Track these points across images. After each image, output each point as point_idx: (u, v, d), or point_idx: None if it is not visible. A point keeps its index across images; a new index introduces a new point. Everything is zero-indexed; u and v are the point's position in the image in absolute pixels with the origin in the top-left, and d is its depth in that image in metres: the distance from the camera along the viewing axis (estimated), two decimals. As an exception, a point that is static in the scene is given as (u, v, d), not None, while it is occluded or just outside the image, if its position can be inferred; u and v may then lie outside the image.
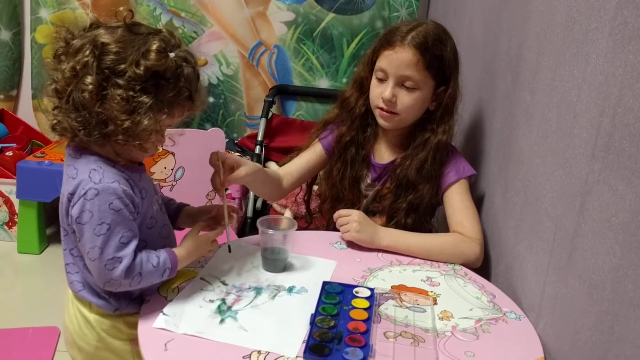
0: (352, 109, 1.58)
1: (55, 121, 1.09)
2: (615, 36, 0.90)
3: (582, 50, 1.03)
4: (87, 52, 1.03)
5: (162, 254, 1.13)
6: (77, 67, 1.04)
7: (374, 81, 1.51)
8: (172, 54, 1.07)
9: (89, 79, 1.03)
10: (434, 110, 1.51)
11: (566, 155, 1.07)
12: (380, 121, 1.53)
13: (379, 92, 1.49)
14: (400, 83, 1.46)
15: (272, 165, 2.88)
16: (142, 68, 1.03)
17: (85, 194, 1.06)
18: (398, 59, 1.44)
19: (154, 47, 1.05)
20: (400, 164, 1.54)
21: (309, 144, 1.68)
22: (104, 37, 1.05)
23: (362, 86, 1.56)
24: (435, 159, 1.50)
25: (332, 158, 1.63)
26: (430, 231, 1.62)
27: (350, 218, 1.42)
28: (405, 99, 1.46)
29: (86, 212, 1.06)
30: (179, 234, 1.28)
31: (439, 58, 1.45)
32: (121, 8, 1.10)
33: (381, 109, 1.50)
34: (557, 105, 1.13)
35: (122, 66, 1.03)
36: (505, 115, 1.48)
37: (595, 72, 0.97)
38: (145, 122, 1.05)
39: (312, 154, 1.65)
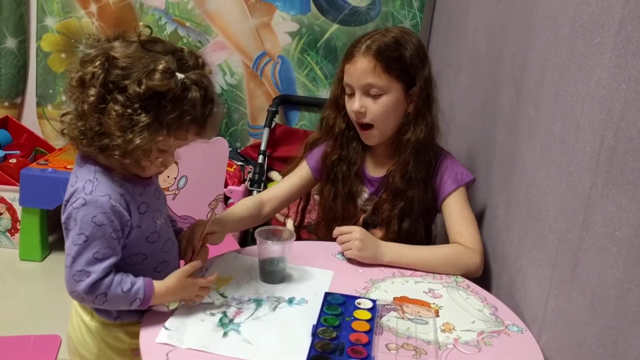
0: (332, 127, 1.58)
1: (64, 127, 1.10)
2: (619, 51, 0.91)
3: (585, 65, 1.04)
4: (97, 64, 1.04)
5: (138, 283, 1.09)
6: (86, 78, 1.04)
7: (346, 98, 1.51)
8: (180, 75, 1.05)
9: (92, 91, 1.03)
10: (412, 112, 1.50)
11: (569, 169, 1.07)
12: (365, 140, 1.53)
13: (350, 107, 1.49)
14: (366, 92, 1.46)
15: (275, 175, 2.89)
16: (143, 87, 1.03)
17: (75, 202, 1.07)
18: (357, 70, 1.45)
19: (160, 67, 1.04)
20: (391, 172, 1.53)
21: (295, 165, 1.66)
22: (116, 50, 1.05)
23: (338, 104, 1.56)
24: (417, 161, 1.49)
25: (321, 180, 1.62)
26: (430, 235, 1.61)
27: (352, 236, 1.40)
28: (374, 108, 1.46)
29: (71, 220, 1.07)
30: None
31: (397, 60, 1.44)
32: (141, 23, 1.10)
33: (359, 125, 1.50)
34: (561, 118, 1.13)
35: (126, 82, 1.03)
36: (508, 128, 1.48)
37: (598, 87, 0.97)
38: (138, 141, 1.04)
39: (297, 177, 1.63)
